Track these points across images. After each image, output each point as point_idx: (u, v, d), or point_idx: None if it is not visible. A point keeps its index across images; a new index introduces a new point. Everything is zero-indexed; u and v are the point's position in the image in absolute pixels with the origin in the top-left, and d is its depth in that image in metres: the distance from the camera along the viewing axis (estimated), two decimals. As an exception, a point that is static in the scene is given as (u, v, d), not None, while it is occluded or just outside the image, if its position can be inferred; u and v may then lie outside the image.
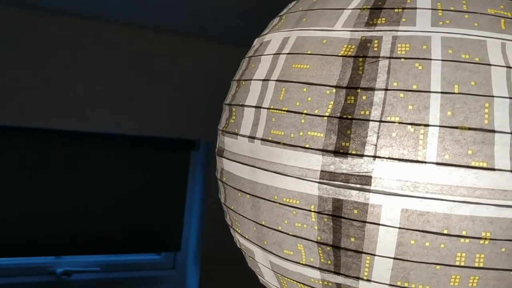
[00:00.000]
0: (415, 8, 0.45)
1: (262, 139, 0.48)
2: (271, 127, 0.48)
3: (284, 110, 0.47)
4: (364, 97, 0.43)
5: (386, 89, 0.42)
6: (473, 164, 0.41)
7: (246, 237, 0.54)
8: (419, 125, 0.41)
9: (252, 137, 0.50)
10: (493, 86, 0.41)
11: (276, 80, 0.49)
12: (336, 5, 0.50)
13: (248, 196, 0.51)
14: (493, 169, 0.40)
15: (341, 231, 0.44)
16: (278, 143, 0.47)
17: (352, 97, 0.43)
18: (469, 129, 0.41)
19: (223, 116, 0.58)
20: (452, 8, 0.45)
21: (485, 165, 0.41)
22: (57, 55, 1.85)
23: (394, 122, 0.42)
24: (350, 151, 0.43)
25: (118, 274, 2.32)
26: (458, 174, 0.41)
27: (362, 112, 0.43)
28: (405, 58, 0.43)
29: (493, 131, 0.41)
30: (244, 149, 0.51)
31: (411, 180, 0.41)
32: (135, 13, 1.68)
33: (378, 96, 0.43)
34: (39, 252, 2.10)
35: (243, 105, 0.52)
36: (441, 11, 0.45)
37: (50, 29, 1.82)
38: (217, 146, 0.58)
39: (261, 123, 0.49)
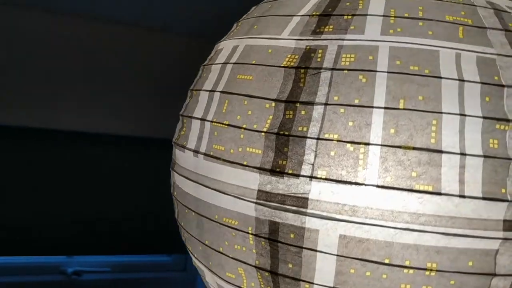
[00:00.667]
0: (366, 15, 0.42)
1: (204, 154, 0.46)
2: (213, 142, 0.45)
3: (225, 124, 0.44)
4: (303, 112, 0.40)
5: (326, 104, 0.39)
6: (417, 187, 0.37)
7: (195, 256, 0.51)
8: (359, 143, 0.38)
9: (196, 151, 0.47)
10: (442, 101, 0.37)
11: (221, 92, 0.46)
12: (286, 11, 0.46)
13: (193, 213, 0.48)
14: (440, 194, 0.37)
15: (279, 256, 0.41)
16: (219, 158, 0.44)
17: (291, 112, 0.40)
18: (414, 148, 0.37)
19: (177, 127, 0.55)
20: (406, 15, 0.41)
21: (430, 188, 0.37)
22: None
23: (333, 140, 0.38)
24: (286, 170, 0.39)
25: (128, 275, 2.33)
26: (401, 198, 0.37)
27: (300, 128, 0.39)
28: (349, 70, 0.39)
29: (440, 151, 0.37)
30: (190, 164, 0.48)
31: (350, 204, 0.38)
32: (128, 11, 1.64)
33: (318, 111, 0.39)
34: (51, 251, 2.12)
35: (191, 117, 0.49)
36: (393, 18, 0.41)
37: (19, 23, 1.78)
38: (172, 158, 0.56)
39: (204, 137, 0.46)
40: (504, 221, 0.37)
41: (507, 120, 0.37)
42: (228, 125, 0.44)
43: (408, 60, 0.39)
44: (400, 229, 0.37)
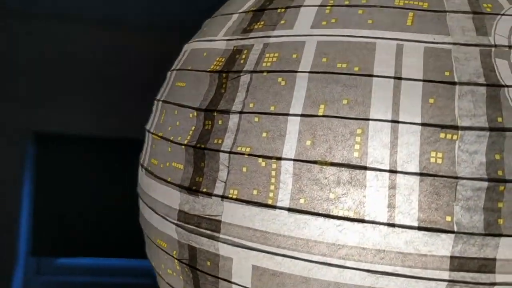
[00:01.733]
0: (300, 6, 0.36)
1: (145, 168, 0.42)
2: (151, 155, 0.42)
3: (159, 136, 0.41)
4: (220, 122, 0.35)
5: (241, 112, 0.34)
6: (335, 212, 0.30)
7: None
8: (271, 158, 0.32)
9: (141, 165, 0.44)
10: (372, 105, 0.30)
11: (162, 101, 0.42)
12: (230, 9, 0.42)
13: (144, 232, 0.45)
14: (363, 221, 0.29)
15: (200, 285, 0.36)
16: (152, 173, 0.41)
17: (210, 122, 0.35)
18: (332, 164, 0.30)
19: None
20: (346, 2, 0.34)
21: (351, 214, 0.30)
22: None
23: (244, 154, 0.33)
24: (202, 189, 0.35)
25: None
26: (317, 225, 0.30)
27: (216, 141, 0.34)
28: (268, 72, 0.34)
29: (365, 168, 0.29)
30: (139, 178, 0.45)
31: (261, 230, 0.32)
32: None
33: (233, 120, 0.34)
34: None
35: (147, 129, 0.46)
36: (329, 7, 0.35)
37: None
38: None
39: (147, 150, 0.43)
40: (452, 258, 0.29)
41: (456, 128, 0.29)
42: (161, 137, 0.40)
43: (336, 57, 0.32)
44: (316, 262, 0.30)
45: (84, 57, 1.78)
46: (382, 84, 0.30)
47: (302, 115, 0.31)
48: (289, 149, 0.31)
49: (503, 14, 0.33)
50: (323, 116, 0.31)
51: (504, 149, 0.29)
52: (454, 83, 0.30)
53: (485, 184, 0.28)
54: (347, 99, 0.31)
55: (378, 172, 0.29)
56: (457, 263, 0.28)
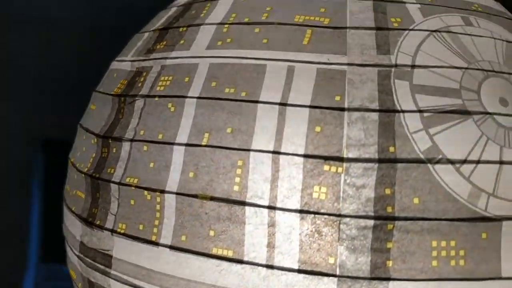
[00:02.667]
0: (200, 25, 0.33)
1: (64, 196, 0.41)
2: (67, 181, 0.40)
3: (71, 161, 0.39)
4: (114, 150, 0.33)
5: (132, 140, 0.32)
6: (214, 251, 0.28)
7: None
8: (155, 190, 0.30)
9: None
10: (255, 134, 0.28)
11: (79, 124, 0.41)
12: (147, 27, 0.40)
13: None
14: (241, 261, 0.27)
15: (100, 323, 0.34)
16: (64, 201, 0.39)
17: (106, 149, 0.34)
18: (212, 198, 0.28)
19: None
20: (246, 20, 0.32)
21: (230, 254, 0.27)
22: None
23: (132, 186, 0.31)
24: (96, 221, 0.33)
25: None
26: (197, 265, 0.28)
27: (109, 170, 0.33)
28: (160, 97, 0.32)
29: (243, 203, 0.27)
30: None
31: (147, 268, 0.30)
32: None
33: (125, 148, 0.32)
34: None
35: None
36: (228, 25, 0.32)
37: None
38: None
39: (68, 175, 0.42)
40: (336, 303, 0.26)
41: (341, 159, 0.26)
42: (72, 163, 0.38)
43: (225, 81, 0.30)
44: (198, 306, 0.28)
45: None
46: (267, 111, 0.28)
47: (186, 145, 0.29)
48: (172, 181, 0.29)
49: (411, 29, 0.30)
50: (206, 146, 0.29)
51: (396, 182, 0.26)
52: (343, 109, 0.27)
53: (371, 222, 0.26)
54: (231, 127, 0.28)
55: (257, 208, 0.27)
56: (344, 309, 0.26)
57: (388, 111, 0.27)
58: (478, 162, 0.27)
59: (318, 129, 0.27)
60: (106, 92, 0.37)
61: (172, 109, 0.31)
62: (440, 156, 0.27)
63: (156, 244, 0.29)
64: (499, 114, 0.29)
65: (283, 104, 0.28)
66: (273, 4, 0.32)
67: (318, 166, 0.26)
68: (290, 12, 0.31)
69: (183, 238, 0.28)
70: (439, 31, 0.31)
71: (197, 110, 0.30)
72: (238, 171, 0.27)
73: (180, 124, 0.30)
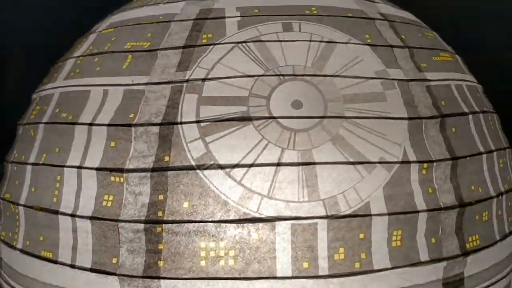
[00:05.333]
0: (68, 58, 0.39)
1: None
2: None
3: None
4: (5, 171, 0.39)
5: (11, 162, 0.38)
6: (43, 253, 0.32)
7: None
8: (15, 203, 0.35)
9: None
10: (71, 151, 0.32)
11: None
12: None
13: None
14: (56, 262, 0.31)
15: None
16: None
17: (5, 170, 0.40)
18: (41, 209, 0.33)
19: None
20: (96, 51, 0.37)
21: (50, 255, 0.32)
22: None
23: (5, 200, 0.37)
24: (-3, 230, 0.40)
25: None
26: (36, 266, 0.33)
27: (1, 188, 0.39)
28: (28, 124, 0.37)
29: (57, 212, 0.32)
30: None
31: (13, 267, 0.36)
32: None
33: (9, 169, 0.38)
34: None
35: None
36: (81, 57, 0.37)
37: None
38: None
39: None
40: (120, 300, 0.29)
41: (122, 170, 0.29)
42: None
43: (64, 107, 0.35)
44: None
45: None
46: (81, 131, 0.32)
47: (33, 164, 0.34)
48: (23, 195, 0.35)
49: (217, 44, 0.32)
50: (43, 164, 0.33)
51: (168, 189, 0.29)
52: (131, 125, 0.30)
53: (141, 226, 0.28)
54: (58, 147, 0.33)
55: (66, 216, 0.31)
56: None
57: (169, 123, 0.30)
58: (251, 165, 0.28)
59: (112, 144, 0.31)
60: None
61: (32, 134, 0.36)
62: (212, 162, 0.28)
63: (14, 248, 0.35)
64: (286, 117, 0.29)
65: (91, 124, 0.32)
66: (117, 35, 0.36)
67: (107, 178, 0.30)
68: (125, 40, 0.35)
69: (28, 243, 0.34)
70: (246, 42, 0.32)
71: (44, 134, 0.35)
72: (57, 185, 0.32)
73: (33, 146, 0.35)
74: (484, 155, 0.35)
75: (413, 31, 0.38)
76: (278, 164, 0.28)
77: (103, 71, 0.34)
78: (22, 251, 0.34)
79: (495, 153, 0.36)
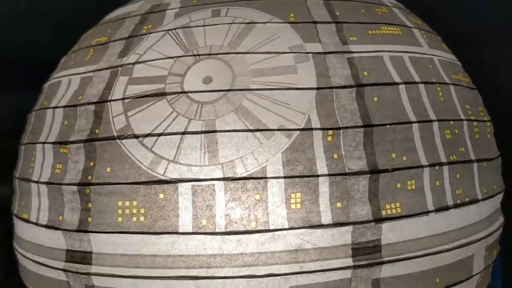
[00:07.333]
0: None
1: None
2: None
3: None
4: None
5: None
6: (23, 216, 0.39)
7: None
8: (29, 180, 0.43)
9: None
10: (43, 130, 0.39)
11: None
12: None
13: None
14: (28, 221, 0.38)
15: None
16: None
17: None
18: (24, 179, 0.40)
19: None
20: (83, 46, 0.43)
21: (26, 216, 0.39)
22: None
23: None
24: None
25: None
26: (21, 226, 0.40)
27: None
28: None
29: (30, 181, 0.38)
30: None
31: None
32: None
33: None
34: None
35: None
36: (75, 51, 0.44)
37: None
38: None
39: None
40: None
41: (66, 143, 0.35)
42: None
43: (45, 97, 0.42)
44: None
45: None
46: (49, 113, 0.39)
47: (24, 144, 0.42)
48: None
49: (152, 32, 0.37)
50: (28, 143, 0.41)
51: (97, 156, 0.34)
52: (76, 106, 0.36)
53: (75, 188, 0.34)
54: (38, 127, 0.40)
55: (34, 183, 0.37)
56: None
57: (102, 102, 0.35)
58: (161, 134, 0.32)
59: (66, 122, 0.36)
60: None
61: (29, 120, 0.44)
62: (129, 133, 0.33)
63: (15, 215, 0.42)
64: (196, 91, 0.33)
65: (55, 107, 0.38)
66: (92, 32, 0.43)
67: (58, 150, 0.36)
68: (93, 37, 0.41)
69: (17, 209, 0.41)
70: (176, 29, 0.36)
71: (34, 119, 0.42)
72: (33, 158, 0.39)
73: (27, 130, 0.43)
74: (416, 124, 0.34)
75: (353, 7, 0.38)
76: (184, 133, 0.32)
77: (73, 64, 0.40)
78: (16, 216, 0.41)
79: (435, 123, 0.35)
